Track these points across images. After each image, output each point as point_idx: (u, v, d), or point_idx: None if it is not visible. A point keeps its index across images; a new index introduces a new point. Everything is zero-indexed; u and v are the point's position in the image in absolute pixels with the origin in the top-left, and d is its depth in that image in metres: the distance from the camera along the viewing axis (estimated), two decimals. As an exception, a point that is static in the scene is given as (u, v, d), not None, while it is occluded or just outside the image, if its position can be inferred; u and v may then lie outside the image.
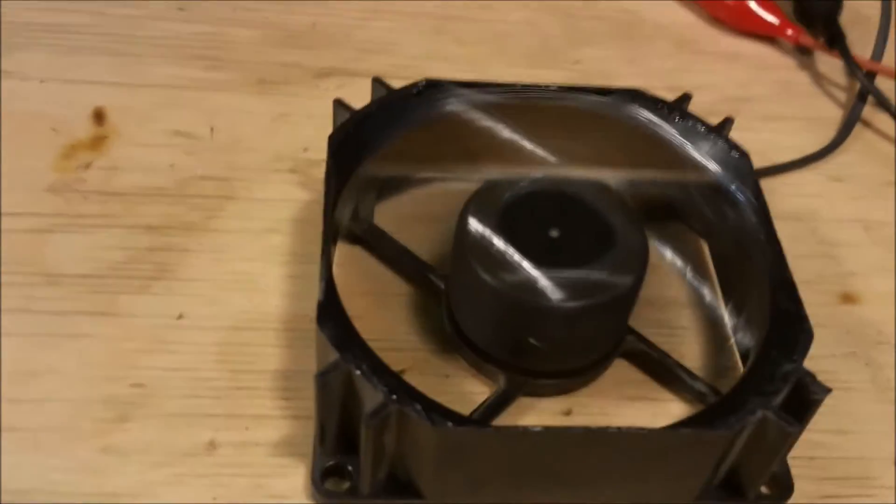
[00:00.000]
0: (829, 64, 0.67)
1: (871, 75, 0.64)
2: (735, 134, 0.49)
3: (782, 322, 0.42)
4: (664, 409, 0.46)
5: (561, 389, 0.46)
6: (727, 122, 0.50)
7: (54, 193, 0.51)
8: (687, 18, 0.70)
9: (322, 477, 0.41)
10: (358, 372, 0.37)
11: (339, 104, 0.48)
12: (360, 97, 0.49)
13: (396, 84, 0.49)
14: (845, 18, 0.66)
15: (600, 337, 0.45)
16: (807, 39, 0.67)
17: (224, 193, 0.52)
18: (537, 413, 0.45)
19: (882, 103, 0.63)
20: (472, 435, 0.38)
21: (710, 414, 0.39)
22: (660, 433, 0.38)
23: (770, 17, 0.68)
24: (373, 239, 0.50)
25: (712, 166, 0.48)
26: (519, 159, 0.49)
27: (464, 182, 0.46)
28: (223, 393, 0.44)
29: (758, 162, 0.49)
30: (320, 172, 0.51)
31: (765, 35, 0.69)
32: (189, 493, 0.41)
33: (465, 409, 0.39)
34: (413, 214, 0.52)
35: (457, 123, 0.49)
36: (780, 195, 0.56)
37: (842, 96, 0.66)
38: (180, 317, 0.47)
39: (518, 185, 0.45)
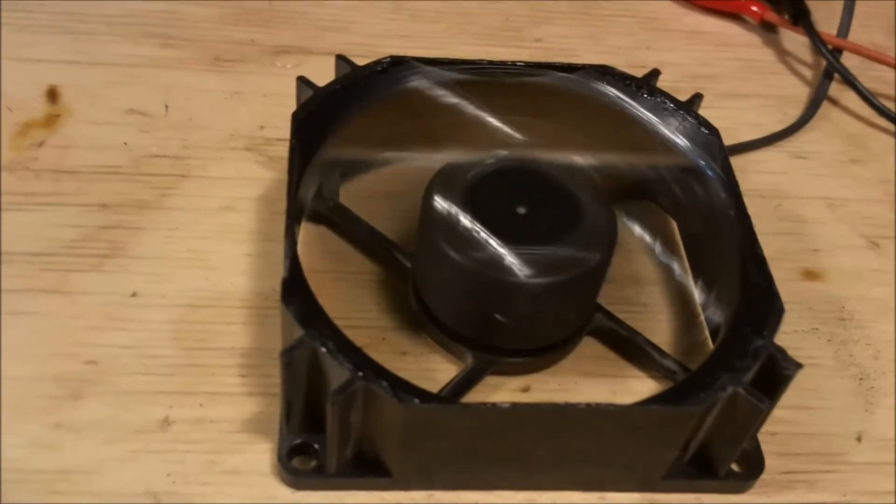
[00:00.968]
0: (795, 41, 0.67)
1: (836, 52, 0.64)
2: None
3: (753, 298, 0.42)
4: (624, 386, 0.46)
5: (529, 368, 0.45)
6: (696, 98, 0.50)
7: (7, 172, 0.50)
8: (649, -5, 0.69)
9: (288, 455, 0.40)
10: (323, 349, 0.37)
11: (302, 81, 0.48)
12: (317, 75, 0.48)
13: (357, 62, 0.49)
14: (810, -6, 0.66)
15: (568, 314, 0.45)
16: (771, 16, 0.66)
17: (179, 171, 0.52)
18: (493, 390, 0.45)
19: (848, 80, 0.62)
20: (438, 412, 0.37)
21: (680, 390, 0.39)
22: (629, 410, 0.38)
23: (734, -6, 0.67)
24: (338, 218, 0.50)
25: (682, 143, 0.48)
26: (485, 137, 0.49)
27: (429, 160, 0.46)
28: (177, 370, 0.43)
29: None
30: (277, 150, 0.51)
31: (729, 12, 0.68)
32: (143, 468, 0.40)
33: (433, 388, 0.39)
34: (378, 193, 0.52)
35: (422, 101, 0.49)
36: (745, 172, 0.55)
37: (807, 73, 0.65)
38: (134, 294, 0.46)
39: (484, 163, 0.45)
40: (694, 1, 0.68)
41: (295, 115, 0.45)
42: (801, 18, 0.65)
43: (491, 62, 0.50)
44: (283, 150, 0.53)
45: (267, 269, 0.48)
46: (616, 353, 0.47)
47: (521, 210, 0.43)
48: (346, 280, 0.48)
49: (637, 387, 0.45)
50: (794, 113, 0.62)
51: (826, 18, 0.65)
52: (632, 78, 0.50)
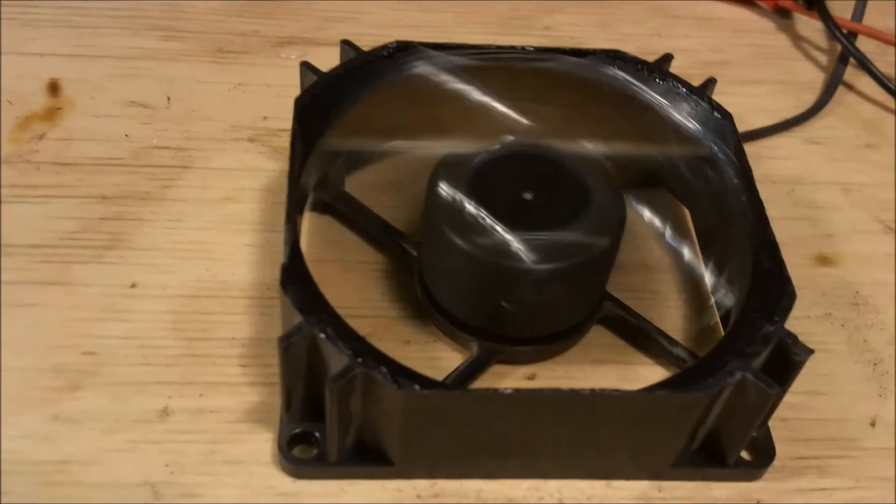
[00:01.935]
0: (809, 26, 0.67)
1: (851, 37, 0.63)
2: (712, 98, 0.49)
3: (764, 283, 0.41)
4: (633, 374, 0.45)
5: (536, 356, 0.45)
6: (710, 83, 0.49)
7: (8, 165, 0.50)
8: (660, -18, 0.69)
9: (289, 444, 0.40)
10: (322, 335, 0.36)
11: (306, 67, 0.47)
12: (322, 66, 0.47)
13: (363, 51, 0.48)
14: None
15: (576, 302, 0.44)
16: (785, 1, 0.66)
17: (180, 163, 0.51)
18: (500, 378, 0.44)
19: (863, 64, 0.61)
20: (438, 398, 0.37)
21: (688, 376, 0.38)
22: (635, 395, 0.37)
23: (747, -21, 0.67)
24: (343, 207, 0.49)
25: (694, 127, 0.47)
26: (492, 123, 0.48)
27: (435, 148, 0.45)
28: (177, 361, 0.43)
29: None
30: (280, 141, 0.50)
31: (742, -2, 0.68)
32: (141, 459, 0.40)
33: (438, 377, 0.38)
34: (383, 181, 0.51)
35: (428, 87, 0.48)
36: (759, 158, 0.55)
37: (821, 59, 0.65)
38: (134, 286, 0.45)
39: (490, 149, 0.44)
40: (706, -13, 0.68)
41: (298, 101, 0.45)
42: (815, 3, 0.64)
43: (499, 47, 0.49)
44: (286, 141, 0.51)
45: (269, 259, 0.47)
46: (625, 341, 0.46)
47: (528, 196, 0.42)
48: (351, 269, 0.47)
49: (646, 375, 0.45)
50: (809, 98, 0.61)
51: (841, 3, 0.64)
52: (643, 62, 0.49)
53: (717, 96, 0.49)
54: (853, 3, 0.63)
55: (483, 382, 0.43)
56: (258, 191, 0.50)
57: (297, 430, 0.40)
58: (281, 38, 0.60)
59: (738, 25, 0.66)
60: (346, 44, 0.48)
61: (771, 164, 0.55)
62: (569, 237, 0.41)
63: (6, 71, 0.55)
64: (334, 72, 0.47)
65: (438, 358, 0.45)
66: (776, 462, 0.41)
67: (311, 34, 0.61)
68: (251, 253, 0.47)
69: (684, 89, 0.48)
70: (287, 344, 0.37)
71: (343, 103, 0.46)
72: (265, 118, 0.54)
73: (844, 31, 0.62)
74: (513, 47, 0.49)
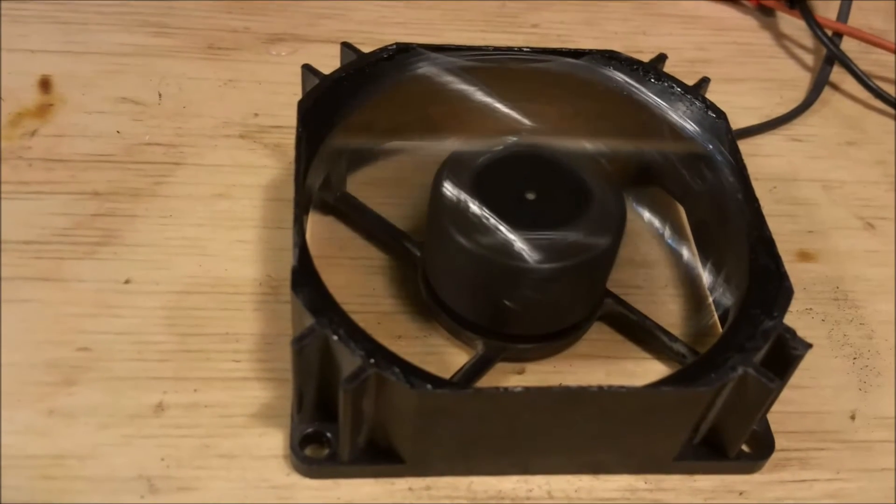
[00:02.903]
0: (792, 24, 0.67)
1: (836, 37, 0.63)
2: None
3: (761, 280, 0.42)
4: (635, 370, 0.46)
5: (540, 353, 0.45)
6: (703, 83, 0.50)
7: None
8: (644, -20, 0.69)
9: (301, 444, 0.40)
10: (335, 337, 0.37)
11: (308, 69, 0.48)
12: (312, 63, 0.48)
13: (356, 50, 0.49)
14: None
15: (578, 299, 0.45)
16: (768, 0, 0.66)
17: (172, 159, 0.52)
18: (505, 375, 0.45)
19: (844, 63, 0.62)
20: (451, 397, 0.37)
21: (692, 372, 0.39)
22: (641, 391, 0.38)
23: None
24: (345, 207, 0.49)
25: (689, 127, 0.48)
26: (494, 124, 0.48)
27: (437, 149, 0.46)
28: (171, 356, 0.43)
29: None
30: (271, 138, 0.51)
31: (725, -5, 0.68)
32: (136, 453, 0.40)
33: (444, 376, 0.38)
34: (385, 182, 0.52)
35: (429, 88, 0.48)
36: (742, 155, 0.55)
37: (804, 57, 0.65)
38: (127, 281, 0.46)
39: (493, 149, 0.44)
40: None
41: (301, 104, 0.45)
42: (797, 2, 0.64)
43: (497, 48, 0.49)
44: (277, 138, 0.53)
45: (261, 255, 0.48)
46: (626, 337, 0.47)
47: (531, 196, 0.43)
48: (354, 270, 0.48)
49: (648, 370, 0.46)
50: (792, 96, 0.62)
51: (826, 3, 0.65)
52: (639, 63, 0.50)
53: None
54: (838, 3, 0.64)
55: (489, 380, 0.44)
56: (250, 187, 0.51)
57: (309, 430, 0.41)
58: (271, 34, 0.60)
59: (722, 24, 0.67)
60: (346, 46, 0.49)
61: (754, 161, 0.55)
62: (571, 237, 0.41)
63: (-3, 67, 0.56)
64: (335, 74, 0.47)
65: (444, 357, 0.45)
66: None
67: (301, 31, 0.61)
68: (243, 249, 0.48)
69: (679, 89, 0.49)
70: (300, 346, 0.37)
71: (345, 105, 0.47)
72: (256, 115, 0.55)
73: (829, 33, 0.63)
74: (510, 48, 0.50)
